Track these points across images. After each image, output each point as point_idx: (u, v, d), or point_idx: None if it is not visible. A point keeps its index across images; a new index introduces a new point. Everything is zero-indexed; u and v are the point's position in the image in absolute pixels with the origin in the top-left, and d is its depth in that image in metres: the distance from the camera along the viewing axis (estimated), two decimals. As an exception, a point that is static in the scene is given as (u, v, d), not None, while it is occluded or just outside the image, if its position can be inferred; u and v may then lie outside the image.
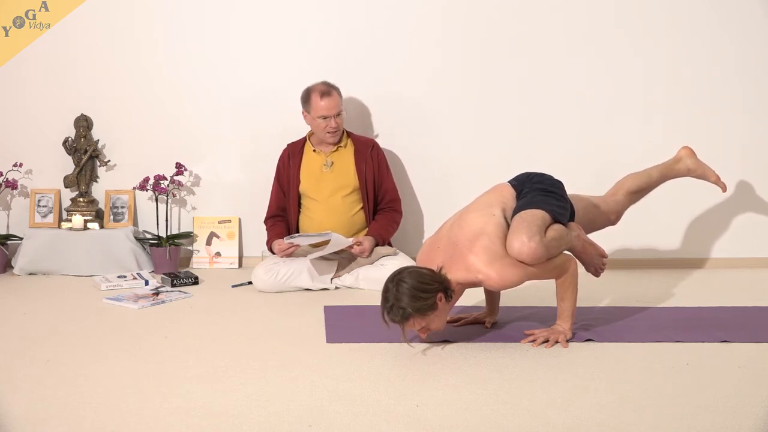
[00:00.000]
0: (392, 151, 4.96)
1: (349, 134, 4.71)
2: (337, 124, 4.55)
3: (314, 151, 4.65)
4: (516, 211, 3.43)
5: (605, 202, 3.90)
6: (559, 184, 3.60)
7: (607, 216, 3.88)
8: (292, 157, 4.65)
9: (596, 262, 3.66)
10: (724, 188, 4.21)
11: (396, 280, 3.18)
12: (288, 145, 4.72)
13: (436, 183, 5.03)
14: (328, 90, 4.55)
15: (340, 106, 4.56)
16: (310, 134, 4.69)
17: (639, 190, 4.00)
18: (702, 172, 4.15)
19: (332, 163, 4.62)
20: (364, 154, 4.63)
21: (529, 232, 3.28)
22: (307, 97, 4.59)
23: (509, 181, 3.63)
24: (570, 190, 3.68)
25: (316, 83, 4.60)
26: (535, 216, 3.35)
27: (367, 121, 4.99)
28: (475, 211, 3.44)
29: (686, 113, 5.00)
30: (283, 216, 4.68)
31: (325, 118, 4.53)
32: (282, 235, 4.56)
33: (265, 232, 4.68)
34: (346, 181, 4.61)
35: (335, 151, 4.64)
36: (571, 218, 3.60)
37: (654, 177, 4.05)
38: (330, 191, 4.59)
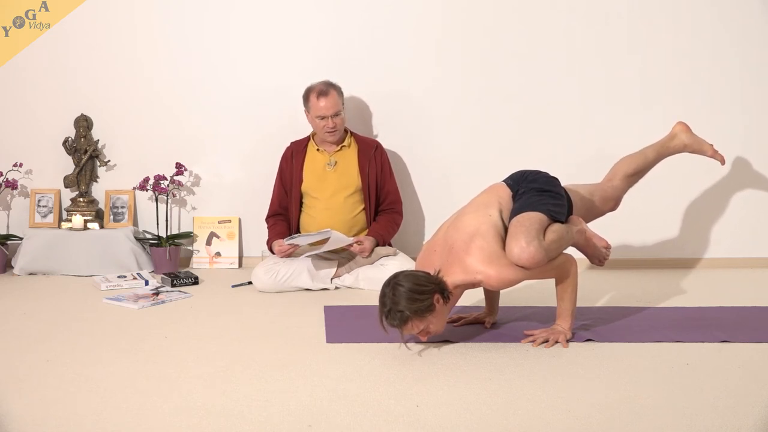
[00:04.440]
0: (393, 152, 4.96)
1: (353, 134, 4.70)
2: (335, 124, 4.53)
3: (318, 150, 4.64)
4: (513, 214, 3.41)
5: (602, 189, 3.88)
6: (554, 181, 3.59)
7: (605, 204, 3.86)
8: (295, 155, 4.65)
9: (600, 254, 3.66)
10: (722, 161, 4.17)
11: (392, 284, 3.18)
12: (291, 143, 4.71)
13: (436, 183, 5.03)
14: (325, 90, 4.52)
15: (338, 106, 4.53)
16: (314, 133, 4.68)
17: (636, 172, 3.97)
18: (698, 147, 4.11)
19: (336, 162, 4.61)
20: (368, 155, 4.62)
21: (527, 236, 3.27)
22: (306, 97, 4.57)
23: (504, 180, 3.62)
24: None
25: (316, 83, 4.59)
26: (532, 219, 3.34)
27: (367, 121, 4.99)
28: (470, 213, 3.43)
29: (684, 112, 4.98)
30: (285, 214, 4.67)
31: (322, 118, 4.51)
32: (283, 235, 4.55)
33: (266, 232, 4.68)
34: (349, 181, 4.60)
35: (339, 150, 4.63)
36: (569, 213, 3.59)
37: (650, 157, 4.01)
38: (332, 191, 4.58)
